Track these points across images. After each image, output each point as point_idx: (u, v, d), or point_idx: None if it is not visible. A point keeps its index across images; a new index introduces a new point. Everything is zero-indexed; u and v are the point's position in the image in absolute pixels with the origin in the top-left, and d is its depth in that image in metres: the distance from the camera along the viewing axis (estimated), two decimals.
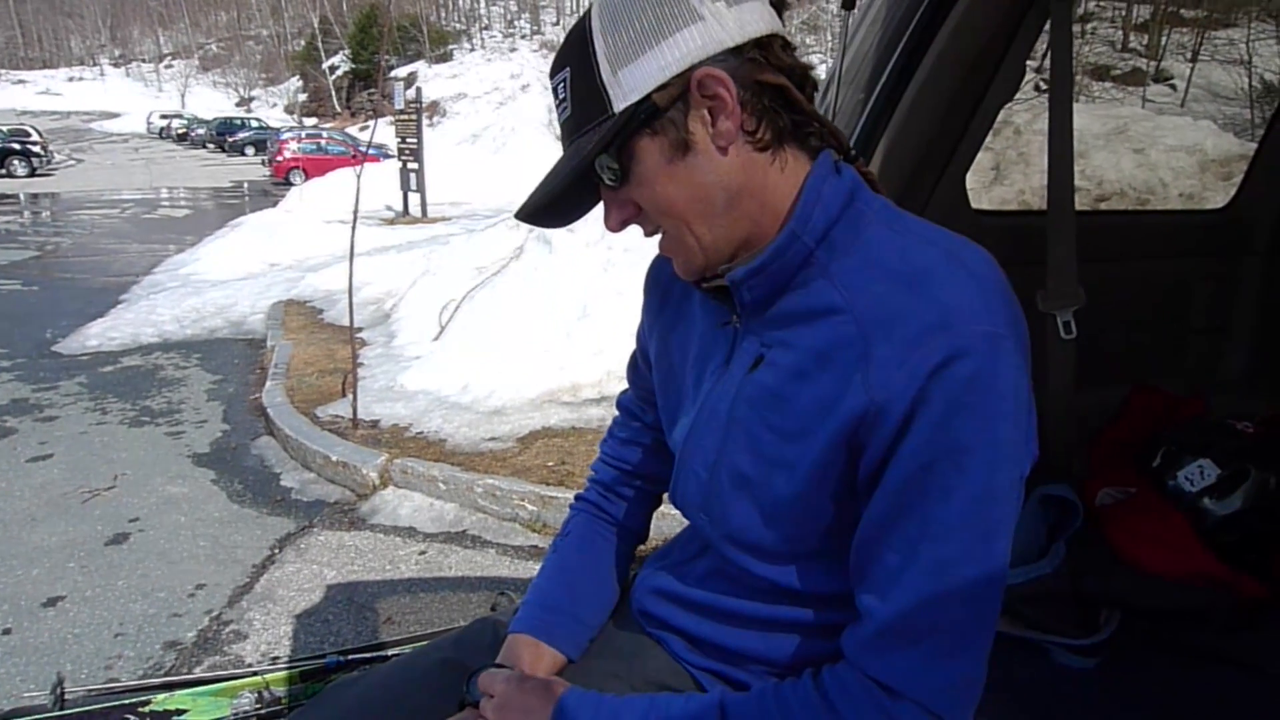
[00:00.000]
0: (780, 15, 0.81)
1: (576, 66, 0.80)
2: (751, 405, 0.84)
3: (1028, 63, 1.52)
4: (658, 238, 0.87)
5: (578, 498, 1.16)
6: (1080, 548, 1.33)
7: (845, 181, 0.82)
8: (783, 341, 0.82)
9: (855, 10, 1.25)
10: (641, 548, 1.17)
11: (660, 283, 1.04)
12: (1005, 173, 9.06)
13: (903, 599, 0.75)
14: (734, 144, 0.78)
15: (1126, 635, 1.29)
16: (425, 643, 1.61)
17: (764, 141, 0.79)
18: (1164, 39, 24.59)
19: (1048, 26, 1.39)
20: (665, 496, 1.14)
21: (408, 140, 13.37)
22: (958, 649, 0.75)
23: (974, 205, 1.64)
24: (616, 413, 1.16)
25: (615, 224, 0.86)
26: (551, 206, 0.84)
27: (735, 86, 0.76)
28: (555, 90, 0.83)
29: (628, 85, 0.77)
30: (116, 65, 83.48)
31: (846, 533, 0.81)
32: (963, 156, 1.47)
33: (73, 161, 31.98)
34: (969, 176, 1.62)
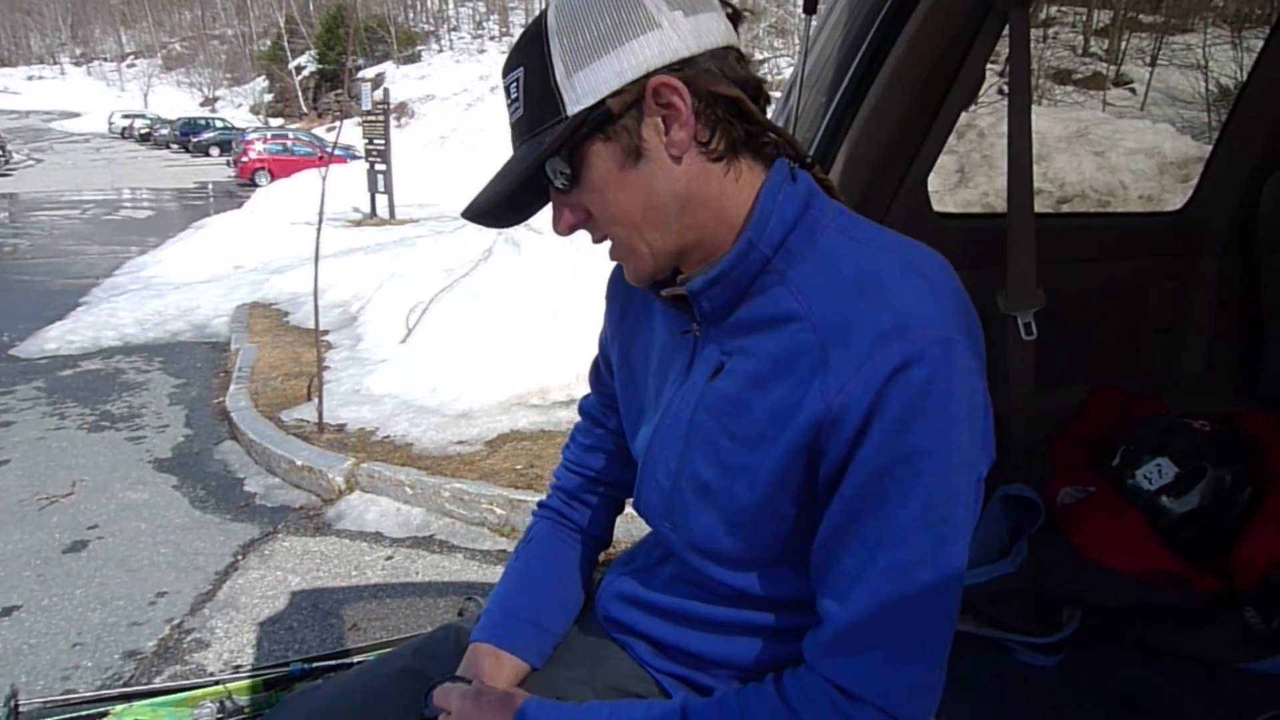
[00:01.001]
0: (736, 28, 0.82)
1: (530, 66, 0.78)
2: (712, 413, 0.84)
3: (990, 66, 1.53)
4: (607, 244, 0.86)
5: (540, 504, 1.15)
6: (1042, 547, 1.35)
7: (800, 189, 0.82)
8: (743, 349, 0.82)
9: (817, 15, 1.26)
10: (606, 552, 1.17)
11: (620, 291, 1.03)
12: (970, 175, 9.17)
13: (860, 603, 0.76)
14: (687, 153, 0.78)
15: (1087, 633, 1.30)
16: (386, 650, 1.59)
17: (717, 152, 0.78)
18: (1124, 44, 25.03)
19: (1006, 31, 1.41)
20: (628, 502, 1.14)
21: (375, 141, 13.26)
22: (916, 652, 0.76)
23: (937, 208, 1.66)
24: (578, 418, 1.15)
25: (564, 228, 0.85)
26: (499, 207, 0.83)
27: (690, 96, 0.75)
28: (508, 89, 0.81)
29: (582, 89, 0.76)
30: (77, 64, 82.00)
31: (808, 539, 0.81)
32: (924, 160, 1.48)
33: (32, 161, 31.31)
34: (932, 179, 1.63)
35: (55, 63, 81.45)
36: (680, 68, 0.76)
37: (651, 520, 0.95)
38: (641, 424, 0.96)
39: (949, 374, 0.72)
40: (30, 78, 75.56)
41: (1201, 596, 1.33)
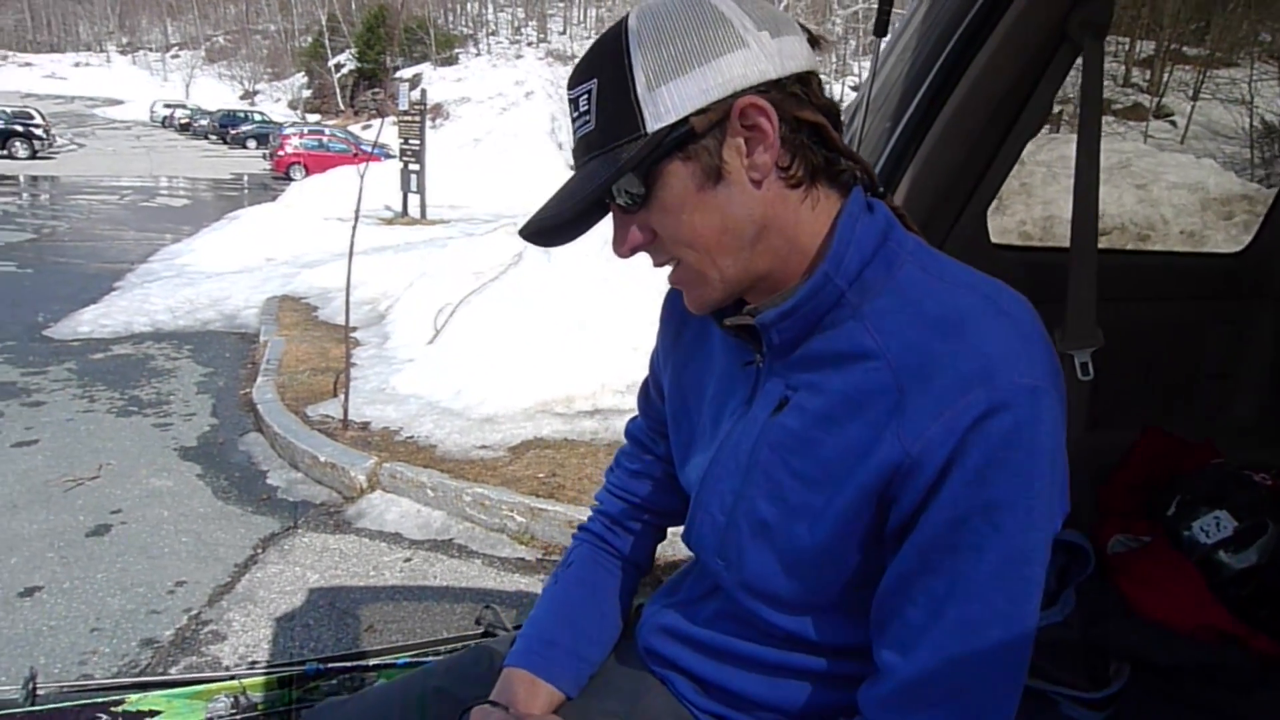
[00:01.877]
0: (816, 52, 0.79)
1: (607, 78, 0.74)
2: (775, 449, 0.80)
3: None
4: (666, 269, 0.83)
5: (581, 528, 1.12)
6: (1090, 596, 1.30)
7: (878, 220, 0.79)
8: (810, 384, 0.79)
9: (888, 36, 1.23)
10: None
11: (677, 313, 1.00)
12: (1007, 203, 9.08)
13: (926, 658, 0.72)
14: (767, 178, 0.75)
15: (1137, 689, 1.25)
16: (416, 668, 1.57)
17: (796, 178, 0.76)
18: (1166, 75, 24.78)
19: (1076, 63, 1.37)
20: (670, 529, 1.11)
21: (410, 141, 13.36)
22: (979, 713, 0.72)
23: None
24: (624, 441, 1.12)
25: (626, 250, 0.81)
26: (563, 227, 0.79)
27: (777, 119, 0.72)
28: (576, 102, 0.77)
29: (664, 105, 0.72)
30: (123, 53, 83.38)
31: (869, 586, 0.77)
32: (986, 190, 1.45)
33: (74, 146, 31.86)
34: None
35: (102, 51, 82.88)
36: (766, 89, 0.73)
37: (703, 555, 0.91)
38: (693, 453, 0.93)
39: (1035, 424, 0.68)
40: (77, 64, 76.87)
41: (1257, 658, 1.28)
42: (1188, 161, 10.06)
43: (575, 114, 0.78)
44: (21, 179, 19.99)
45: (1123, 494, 1.63)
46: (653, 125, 0.73)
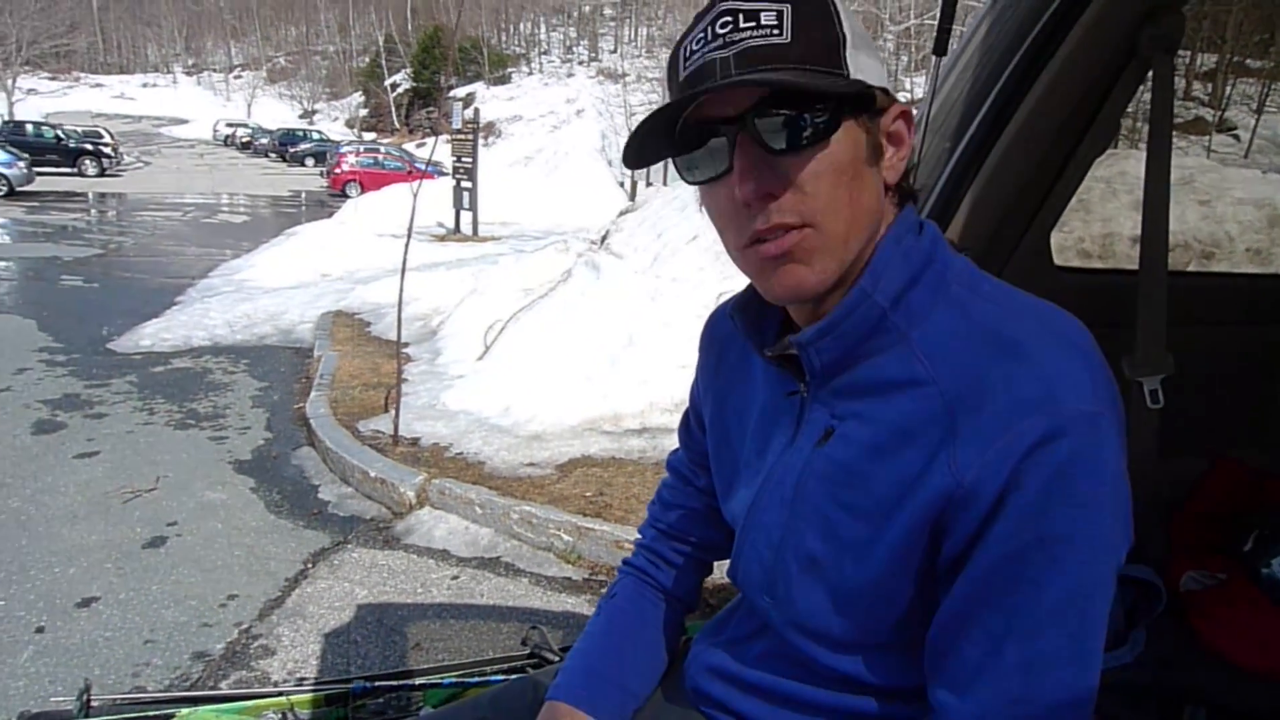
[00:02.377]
0: None
1: (811, 9, 0.70)
2: (822, 482, 0.77)
3: None
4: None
5: (625, 562, 1.10)
6: (1162, 636, 1.24)
7: (926, 240, 0.76)
8: (857, 414, 0.76)
9: (947, 55, 1.20)
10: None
11: (716, 342, 0.97)
12: (1065, 220, 8.87)
13: (984, 699, 0.69)
14: (889, 182, 0.76)
15: None
16: (462, 688, 1.56)
17: (888, 189, 0.77)
18: (1229, 88, 24.14)
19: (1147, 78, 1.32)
20: (715, 564, 1.08)
21: (463, 159, 13.56)
22: None
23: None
24: (666, 473, 1.10)
25: (759, 192, 0.71)
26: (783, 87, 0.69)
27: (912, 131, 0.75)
28: (753, 14, 0.69)
29: (859, 67, 0.71)
30: (189, 74, 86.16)
31: (923, 623, 0.74)
32: (1049, 212, 1.40)
33: (141, 164, 32.95)
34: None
35: (169, 72, 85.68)
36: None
37: (749, 592, 0.88)
38: (737, 487, 0.90)
39: (1095, 451, 0.65)
40: (145, 85, 79.57)
41: None
42: (1253, 177, 9.74)
43: (749, 24, 0.69)
44: (90, 196, 20.72)
45: (1195, 528, 1.56)
46: (854, 75, 0.71)
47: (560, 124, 38.12)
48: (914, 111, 0.74)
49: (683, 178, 0.77)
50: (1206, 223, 8.91)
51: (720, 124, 0.71)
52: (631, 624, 1.03)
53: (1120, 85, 1.29)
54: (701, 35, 0.71)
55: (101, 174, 26.34)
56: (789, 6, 0.69)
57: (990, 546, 0.67)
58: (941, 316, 0.73)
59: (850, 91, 0.69)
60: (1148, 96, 1.32)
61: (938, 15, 1.23)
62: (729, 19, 0.70)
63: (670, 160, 0.77)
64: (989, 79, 1.21)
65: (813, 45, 0.69)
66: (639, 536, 1.10)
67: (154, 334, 7.06)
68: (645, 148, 0.76)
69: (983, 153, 1.21)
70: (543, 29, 58.45)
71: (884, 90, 0.73)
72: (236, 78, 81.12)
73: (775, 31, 0.69)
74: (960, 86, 1.23)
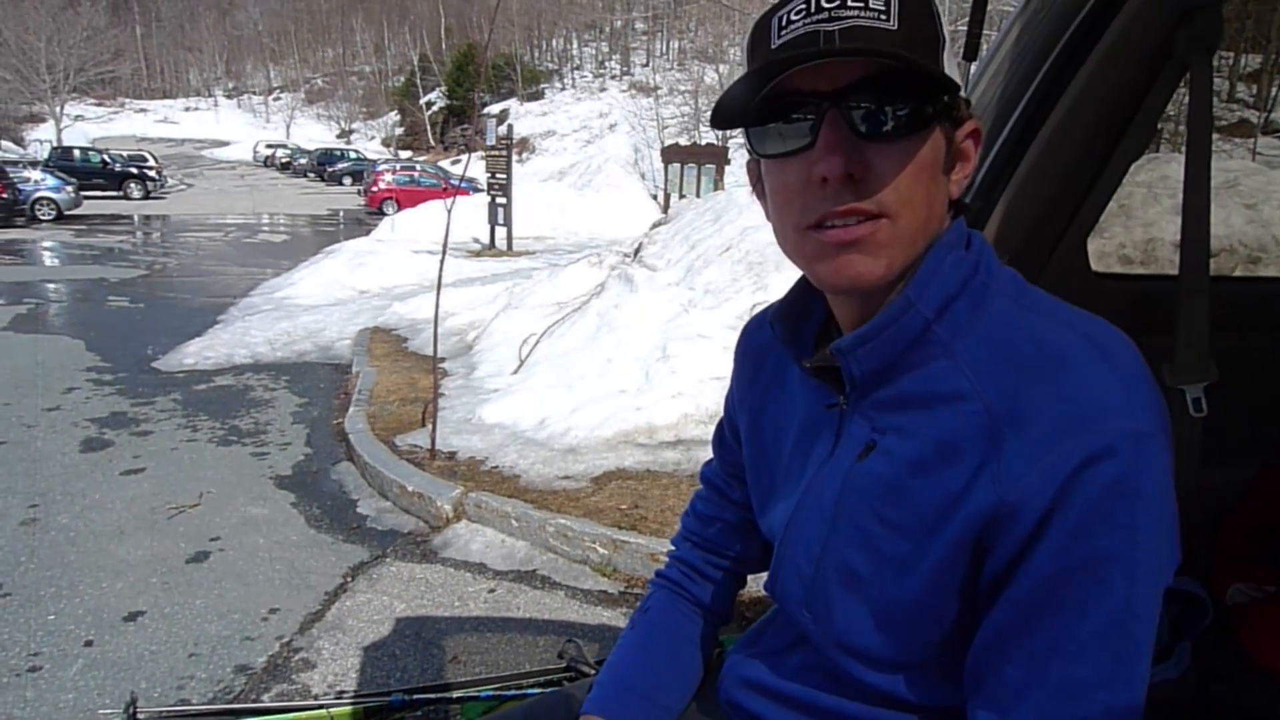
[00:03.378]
0: None
1: (914, 2, 0.69)
2: (863, 496, 0.77)
3: None
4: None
5: (658, 574, 1.10)
6: (1209, 651, 1.21)
7: (972, 254, 0.76)
8: (899, 428, 0.75)
9: (978, 61, 1.18)
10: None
11: (753, 351, 0.97)
12: (1105, 225, 8.73)
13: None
14: (954, 194, 0.77)
15: None
16: (498, 701, 1.56)
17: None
18: (1275, 90, 23.63)
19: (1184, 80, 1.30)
20: (749, 577, 1.07)
21: (497, 175, 13.70)
22: None
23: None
24: (700, 485, 1.09)
25: (837, 170, 0.69)
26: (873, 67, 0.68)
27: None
28: None
29: (950, 68, 0.72)
30: (229, 97, 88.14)
31: (964, 643, 0.73)
32: (1086, 217, 1.38)
33: (184, 186, 33.76)
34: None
35: (210, 95, 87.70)
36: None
37: (788, 607, 0.87)
38: (775, 500, 0.90)
39: (1141, 472, 0.64)
40: (187, 109, 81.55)
41: None
42: None
43: (855, 3, 0.68)
44: (135, 218, 21.26)
45: (1241, 538, 1.52)
46: (949, 71, 0.72)
47: (593, 138, 38.35)
48: (980, 129, 0.75)
49: (751, 149, 0.76)
50: (1253, 227, 8.71)
51: (811, 98, 0.70)
52: (665, 637, 1.03)
53: (1157, 87, 1.27)
54: (803, 6, 0.70)
55: (146, 196, 27.03)
56: None
57: (1033, 567, 0.67)
58: (986, 329, 0.72)
59: (952, 89, 0.71)
60: (1187, 98, 1.30)
61: (968, 20, 1.22)
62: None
63: (742, 130, 0.76)
64: (1021, 83, 1.20)
65: (918, 37, 0.69)
66: (672, 549, 1.10)
67: (197, 352, 7.21)
68: (727, 110, 0.74)
69: (1016, 158, 1.20)
70: (575, 44, 58.94)
71: (967, 101, 0.74)
72: (275, 99, 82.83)
73: (883, 16, 0.68)
74: (992, 92, 1.22)
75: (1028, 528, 0.66)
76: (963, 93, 0.73)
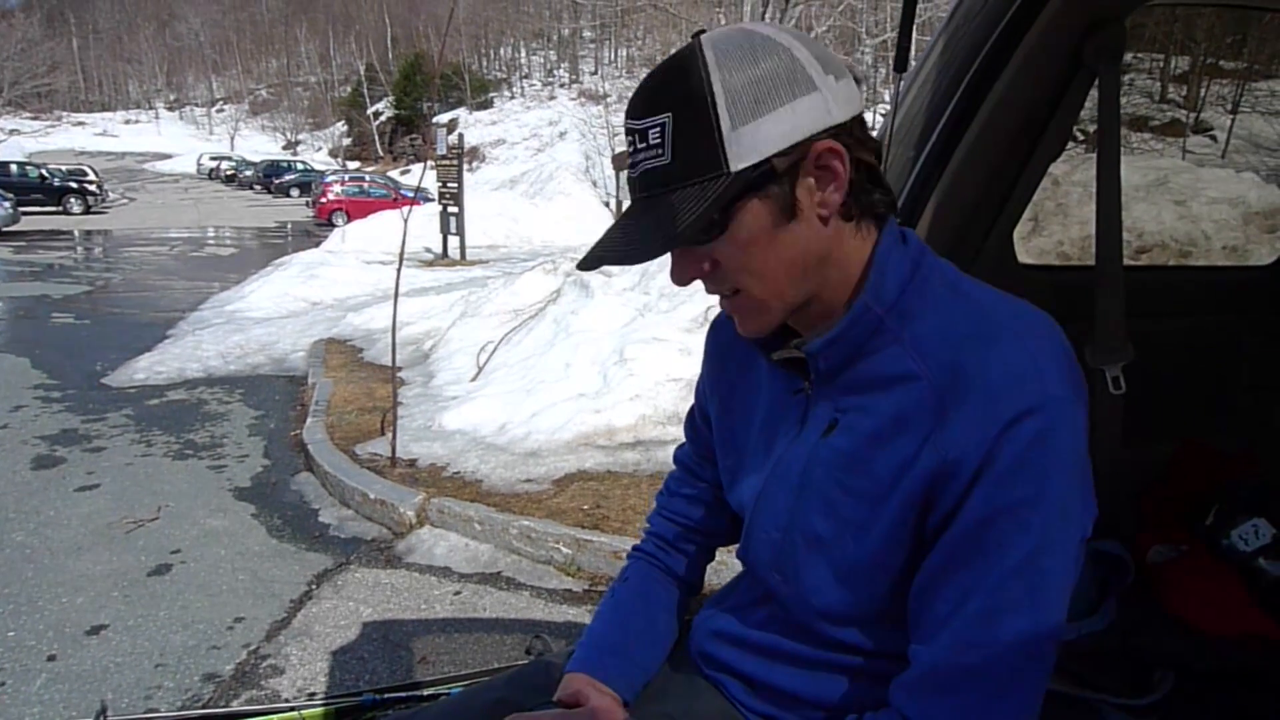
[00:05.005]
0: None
1: (684, 114, 0.76)
2: (827, 468, 0.86)
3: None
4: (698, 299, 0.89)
5: (635, 548, 1.18)
6: (1131, 606, 1.32)
7: (911, 249, 0.85)
8: (859, 407, 0.84)
9: (907, 72, 1.29)
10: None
11: (720, 343, 1.06)
12: (1044, 224, 9.03)
13: (946, 645, 0.77)
14: (832, 214, 0.80)
15: (1180, 696, 1.27)
16: (477, 681, 1.62)
17: (851, 212, 0.81)
18: (1204, 90, 24.46)
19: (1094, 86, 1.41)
20: (720, 550, 1.16)
21: (448, 184, 13.67)
22: (1001, 696, 0.76)
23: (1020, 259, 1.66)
24: (673, 466, 1.18)
25: (686, 278, 0.84)
26: (633, 255, 0.79)
27: (849, 162, 0.78)
28: (645, 134, 0.78)
29: (747, 145, 0.75)
30: (171, 109, 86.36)
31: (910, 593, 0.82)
32: (1010, 213, 1.49)
33: (125, 200, 32.97)
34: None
35: (151, 108, 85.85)
36: (837, 133, 0.77)
37: (760, 571, 0.96)
38: (743, 475, 0.99)
39: (1059, 429, 0.74)
40: (127, 121, 79.70)
41: None
42: (1227, 176, 9.93)
43: (642, 145, 0.78)
44: (76, 234, 20.75)
45: (1162, 506, 1.65)
46: (736, 165, 0.75)
47: (544, 146, 38.35)
48: (838, 146, 0.77)
49: None
50: (1183, 222, 9.07)
51: None
52: (641, 602, 1.11)
53: (1070, 92, 1.39)
54: (626, 145, 0.82)
55: (87, 211, 26.37)
56: (669, 117, 0.76)
57: (966, 514, 0.76)
58: (929, 316, 0.82)
59: (733, 190, 0.76)
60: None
61: (897, 33, 1.32)
62: (632, 137, 0.80)
63: None
64: (947, 91, 1.30)
65: (690, 158, 0.76)
66: (647, 525, 1.18)
67: (147, 367, 7.10)
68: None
69: (944, 161, 1.31)
70: (523, 53, 58.83)
71: (783, 152, 0.76)
72: (219, 111, 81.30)
73: (659, 153, 0.77)
74: (921, 99, 1.33)
75: (965, 481, 0.75)
76: (788, 139, 0.76)
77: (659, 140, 0.77)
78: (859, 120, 0.80)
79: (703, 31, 0.80)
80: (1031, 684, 0.77)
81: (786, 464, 0.90)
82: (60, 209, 25.73)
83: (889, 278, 0.82)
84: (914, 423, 0.79)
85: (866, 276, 0.82)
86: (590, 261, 0.83)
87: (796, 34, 0.80)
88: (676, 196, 0.77)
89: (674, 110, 0.76)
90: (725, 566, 1.07)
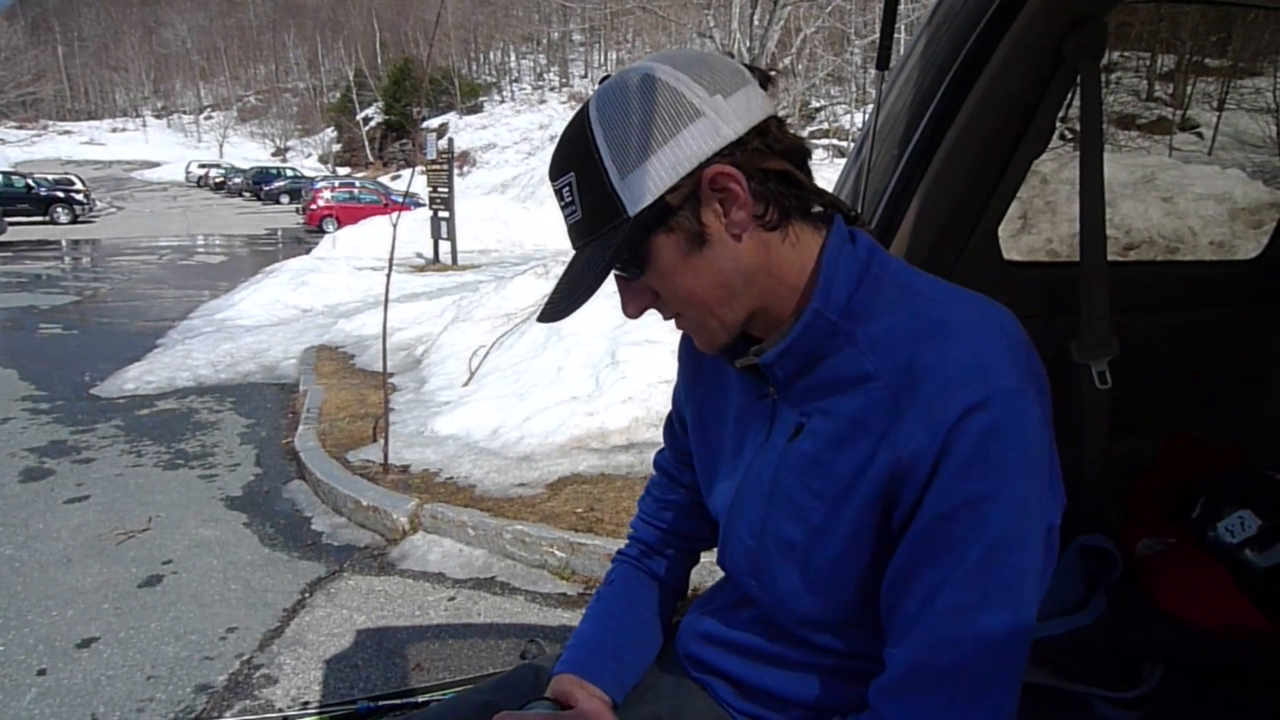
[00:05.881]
0: (767, 90, 0.84)
1: (582, 172, 0.80)
2: (794, 473, 0.86)
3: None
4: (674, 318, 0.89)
5: (619, 553, 1.18)
6: (1120, 599, 1.32)
7: (860, 249, 0.84)
8: (822, 410, 0.84)
9: (889, 70, 1.29)
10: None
11: (692, 352, 1.06)
12: (1033, 222, 9.07)
13: (919, 645, 0.77)
14: (746, 230, 0.80)
15: (1170, 688, 1.27)
16: (465, 687, 1.62)
17: (773, 222, 0.81)
18: (1189, 88, 24.60)
19: (1077, 83, 1.42)
20: (703, 553, 1.17)
21: (439, 189, 13.64)
22: (978, 697, 0.76)
23: (1005, 256, 1.66)
24: (654, 472, 1.19)
25: (635, 311, 0.88)
26: (574, 307, 0.84)
27: (744, 179, 0.78)
28: (560, 192, 0.83)
29: (638, 189, 0.78)
30: (158, 116, 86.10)
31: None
32: (995, 210, 1.50)
33: (113, 209, 32.82)
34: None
35: (138, 116, 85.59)
36: (730, 152, 0.78)
37: (738, 578, 0.97)
38: (718, 480, 0.99)
39: (1013, 420, 0.74)
40: (114, 130, 79.44)
41: None
42: (1213, 172, 10.00)
43: (561, 203, 0.83)
44: (64, 243, 20.64)
45: (1150, 499, 1.65)
46: (632, 209, 0.79)
47: (534, 150, 38.36)
48: (727, 168, 0.77)
49: None
50: (1170, 219, 9.12)
51: None
52: (627, 605, 1.11)
53: (1052, 90, 1.39)
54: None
55: (74, 221, 26.21)
56: (572, 176, 0.81)
57: (926, 510, 0.76)
58: (881, 315, 0.81)
59: (633, 233, 0.79)
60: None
61: (879, 32, 1.33)
62: (557, 195, 0.84)
63: None
64: (929, 89, 1.30)
65: (593, 211, 0.81)
66: (631, 531, 1.19)
67: (137, 377, 7.07)
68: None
69: (927, 158, 1.31)
70: (513, 57, 58.86)
71: (673, 188, 0.78)
72: (207, 118, 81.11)
73: (574, 210, 0.82)
74: (904, 97, 1.33)
75: (921, 479, 0.75)
76: (674, 174, 0.78)
77: (571, 198, 0.82)
78: (761, 129, 0.80)
79: (608, 77, 0.83)
80: (1008, 678, 0.76)
81: (757, 470, 0.91)
82: (47, 219, 25.59)
83: (837, 281, 0.82)
84: (872, 423, 0.79)
85: (816, 280, 0.82)
86: (544, 316, 0.87)
87: (681, 58, 0.81)
88: (591, 249, 0.82)
89: (575, 170, 0.81)
90: (711, 569, 1.07)
